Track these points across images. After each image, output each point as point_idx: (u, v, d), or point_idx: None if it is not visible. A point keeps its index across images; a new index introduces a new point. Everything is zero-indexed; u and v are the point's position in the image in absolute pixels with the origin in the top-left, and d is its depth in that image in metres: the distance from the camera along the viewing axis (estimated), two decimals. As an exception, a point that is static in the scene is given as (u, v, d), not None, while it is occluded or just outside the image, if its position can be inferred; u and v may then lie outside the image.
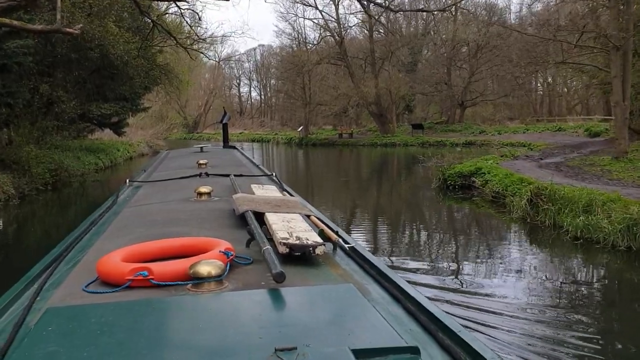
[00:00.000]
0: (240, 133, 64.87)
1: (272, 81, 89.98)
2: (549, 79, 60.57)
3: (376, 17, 46.71)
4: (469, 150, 34.82)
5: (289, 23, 55.33)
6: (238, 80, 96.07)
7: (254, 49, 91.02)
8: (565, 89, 60.40)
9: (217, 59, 32.90)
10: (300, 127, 53.12)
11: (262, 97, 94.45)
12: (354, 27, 49.00)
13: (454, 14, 48.64)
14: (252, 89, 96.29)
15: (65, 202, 18.28)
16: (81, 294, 2.05)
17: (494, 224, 12.42)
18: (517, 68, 33.64)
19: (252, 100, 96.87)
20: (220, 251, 2.19)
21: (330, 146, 45.76)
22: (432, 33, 56.22)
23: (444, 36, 51.84)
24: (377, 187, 21.45)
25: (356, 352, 1.40)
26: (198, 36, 24.78)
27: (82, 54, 19.56)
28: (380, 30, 49.08)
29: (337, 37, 46.72)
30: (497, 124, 48.78)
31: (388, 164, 32.04)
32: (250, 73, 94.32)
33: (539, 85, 63.38)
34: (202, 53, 26.75)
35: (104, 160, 29.05)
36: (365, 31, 49.36)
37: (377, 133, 48.23)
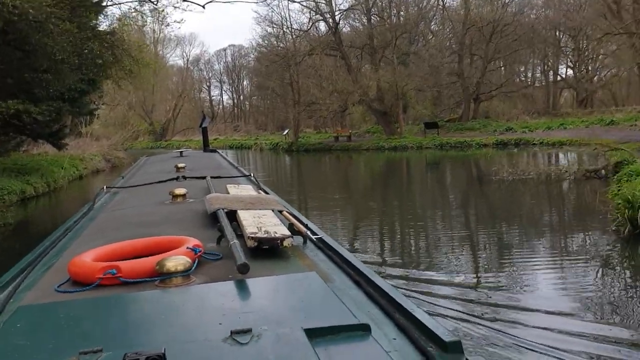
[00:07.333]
0: (215, 139, 56.11)
1: (244, 82, 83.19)
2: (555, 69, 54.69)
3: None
4: (513, 152, 27.60)
5: (271, 8, 47.53)
6: (208, 83, 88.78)
7: (224, 50, 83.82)
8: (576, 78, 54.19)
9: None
10: (286, 131, 45.33)
11: (235, 100, 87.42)
12: (348, 10, 41.08)
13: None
14: (223, 91, 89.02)
15: None
16: (53, 294, 2.05)
17: None
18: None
19: (224, 104, 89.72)
20: (188, 247, 2.19)
21: (328, 152, 38.17)
22: (428, 20, 49.66)
23: (451, 22, 44.74)
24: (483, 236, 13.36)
25: (309, 331, 1.42)
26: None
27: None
28: (377, 16, 41.75)
29: (330, 22, 39.16)
30: (515, 119, 42.13)
31: (431, 178, 24.33)
32: (221, 75, 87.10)
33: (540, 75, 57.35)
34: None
35: (37, 185, 20.94)
36: (361, 15, 41.95)
37: (378, 135, 41.05)
